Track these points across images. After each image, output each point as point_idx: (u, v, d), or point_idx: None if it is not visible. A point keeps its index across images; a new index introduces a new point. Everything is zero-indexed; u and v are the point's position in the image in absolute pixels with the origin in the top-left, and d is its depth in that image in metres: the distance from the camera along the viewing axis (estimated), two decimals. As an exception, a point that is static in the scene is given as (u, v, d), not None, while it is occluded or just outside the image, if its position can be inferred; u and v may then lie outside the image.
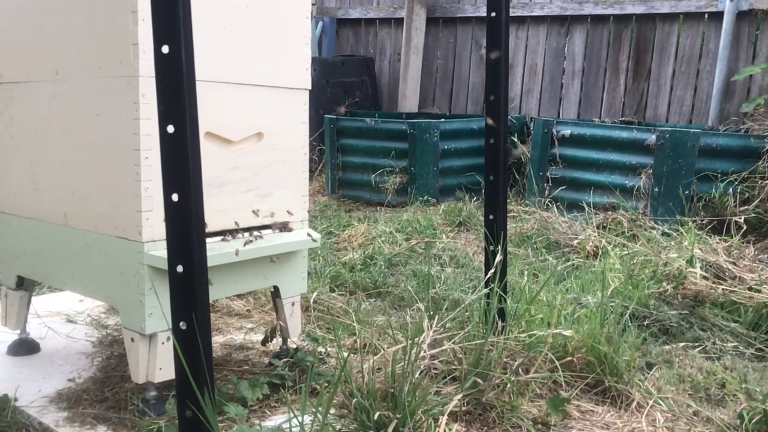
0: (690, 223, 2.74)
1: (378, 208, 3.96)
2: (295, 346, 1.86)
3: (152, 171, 1.40)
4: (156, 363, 1.45)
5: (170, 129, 0.98)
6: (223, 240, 1.54)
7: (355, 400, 1.25)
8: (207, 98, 1.43)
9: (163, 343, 1.46)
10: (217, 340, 1.98)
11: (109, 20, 1.41)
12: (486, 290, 1.60)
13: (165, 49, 0.97)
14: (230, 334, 2.02)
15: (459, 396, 1.37)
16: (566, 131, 3.55)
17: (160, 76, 0.98)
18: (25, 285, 1.80)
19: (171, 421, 1.42)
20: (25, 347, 1.86)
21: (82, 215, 1.55)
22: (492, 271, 1.63)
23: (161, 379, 1.47)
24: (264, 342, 1.84)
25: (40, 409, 1.53)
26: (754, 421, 1.48)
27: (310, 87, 1.73)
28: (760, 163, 3.12)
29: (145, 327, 1.42)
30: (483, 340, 1.54)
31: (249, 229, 1.60)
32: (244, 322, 2.16)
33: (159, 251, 1.41)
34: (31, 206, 1.68)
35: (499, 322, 1.67)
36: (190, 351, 1.02)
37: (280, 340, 1.82)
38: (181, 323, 1.02)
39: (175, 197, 0.99)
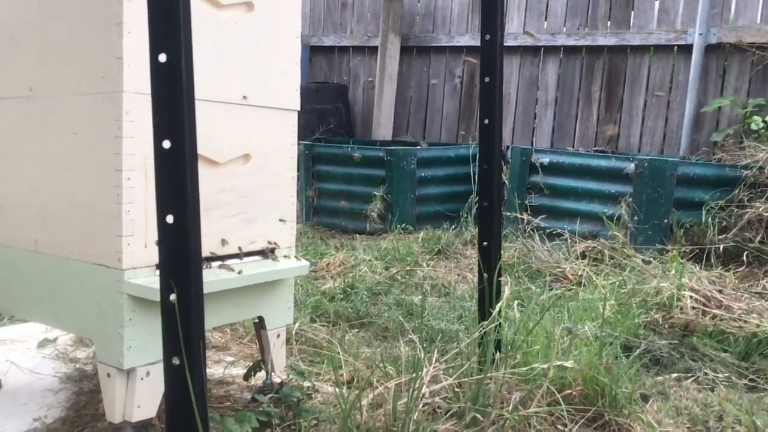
0: (674, 252, 2.73)
1: (355, 235, 3.88)
2: (279, 381, 1.75)
3: (134, 193, 1.30)
4: (134, 401, 1.34)
5: (166, 144, 0.89)
6: (207, 267, 1.44)
7: (356, 440, 1.16)
8: (195, 116, 1.35)
9: (142, 378, 1.34)
10: (194, 374, 1.86)
11: (91, 33, 1.32)
12: (488, 322, 1.53)
13: (162, 57, 0.89)
14: (208, 368, 1.91)
15: (463, 434, 1.29)
16: (545, 159, 3.54)
17: (156, 87, 0.90)
18: (-13, 316, 1.67)
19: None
20: (-15, 384, 1.72)
21: (54, 241, 1.43)
22: (498, 302, 1.56)
23: (139, 419, 1.35)
24: (247, 376, 1.73)
25: (2, 453, 1.40)
26: (762, 455, 1.43)
27: (299, 108, 1.67)
28: (736, 191, 3.15)
29: (123, 361, 1.31)
30: (482, 375, 1.46)
31: (235, 256, 1.51)
32: (222, 354, 2.05)
33: (140, 279, 1.31)
34: (-3, 231, 1.56)
35: (497, 354, 1.60)
36: (184, 389, 0.92)
37: (262, 374, 1.72)
38: (173, 359, 0.92)
39: (170, 219, 0.90)
